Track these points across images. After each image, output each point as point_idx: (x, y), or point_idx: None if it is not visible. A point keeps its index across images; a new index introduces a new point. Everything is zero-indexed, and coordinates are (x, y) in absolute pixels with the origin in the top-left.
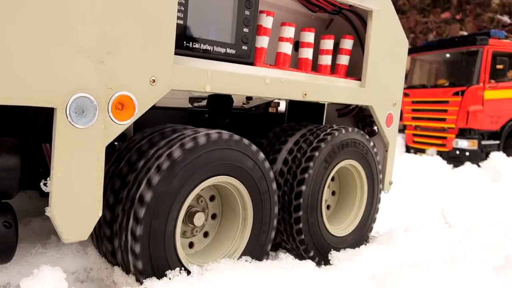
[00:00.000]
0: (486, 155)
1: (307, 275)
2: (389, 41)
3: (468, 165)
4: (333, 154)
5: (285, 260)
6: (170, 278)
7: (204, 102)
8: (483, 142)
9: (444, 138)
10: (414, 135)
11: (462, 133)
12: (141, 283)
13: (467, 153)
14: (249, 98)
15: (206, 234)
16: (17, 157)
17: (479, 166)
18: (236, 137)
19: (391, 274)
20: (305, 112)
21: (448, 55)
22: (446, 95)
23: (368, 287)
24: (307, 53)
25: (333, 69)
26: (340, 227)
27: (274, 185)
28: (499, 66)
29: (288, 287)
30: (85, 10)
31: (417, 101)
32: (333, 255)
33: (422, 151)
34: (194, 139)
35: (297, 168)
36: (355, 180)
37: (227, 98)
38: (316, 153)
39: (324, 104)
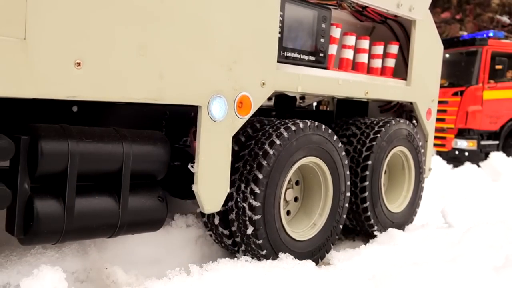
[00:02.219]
0: (486, 155)
1: (307, 275)
2: (428, 45)
3: (468, 165)
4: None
5: (285, 260)
6: (170, 278)
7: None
8: (482, 142)
9: (444, 138)
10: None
11: (461, 133)
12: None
13: (466, 153)
14: (303, 98)
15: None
16: (167, 146)
17: (479, 166)
18: (318, 124)
19: (391, 274)
20: (351, 109)
21: (447, 56)
22: (445, 95)
23: (368, 287)
24: (363, 57)
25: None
26: (394, 205)
27: (346, 161)
28: (498, 67)
29: (288, 287)
30: (220, 29)
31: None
32: (333, 255)
33: None
34: (295, 125)
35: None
36: (403, 164)
37: (291, 98)
38: (375, 143)
39: (367, 102)
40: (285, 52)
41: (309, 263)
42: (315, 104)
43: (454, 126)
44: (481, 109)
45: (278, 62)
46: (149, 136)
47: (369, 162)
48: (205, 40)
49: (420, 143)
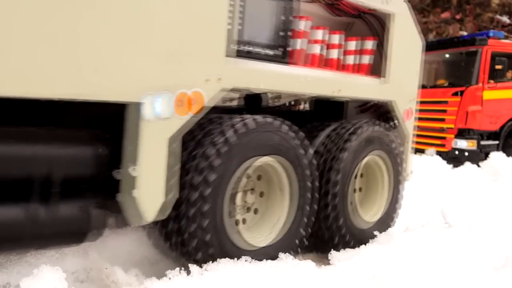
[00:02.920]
0: (485, 155)
1: (307, 275)
2: (407, 41)
3: (468, 165)
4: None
5: (285, 260)
6: (170, 278)
7: (234, 102)
8: (482, 142)
9: (443, 138)
10: (413, 135)
11: (461, 133)
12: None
13: (466, 153)
14: (277, 97)
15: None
16: (105, 147)
17: (479, 166)
18: (278, 121)
19: (391, 274)
20: (328, 110)
21: (447, 55)
22: (445, 95)
23: (368, 287)
24: (335, 53)
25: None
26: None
27: (314, 162)
28: (498, 67)
29: (288, 287)
30: (155, 19)
31: (416, 101)
32: (333, 255)
33: (421, 151)
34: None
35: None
36: (379, 170)
37: (261, 97)
38: (349, 144)
39: (345, 102)
40: (241, 46)
41: (309, 263)
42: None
43: (454, 126)
44: (481, 109)
45: (231, 56)
46: (81, 139)
47: (341, 165)
48: (138, 30)
49: (399, 146)
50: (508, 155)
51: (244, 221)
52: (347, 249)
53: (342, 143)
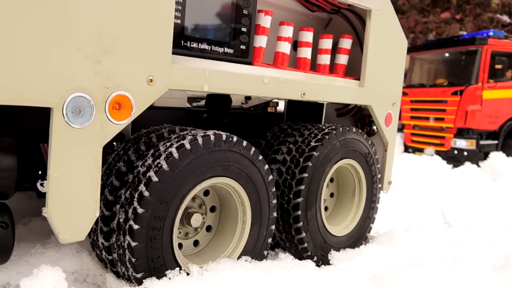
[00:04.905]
0: (485, 155)
1: (307, 275)
2: (388, 41)
3: (467, 165)
4: (332, 153)
5: (285, 260)
6: (170, 278)
7: (202, 102)
8: (481, 142)
9: (443, 137)
10: (413, 134)
11: (461, 133)
12: (141, 282)
13: (465, 153)
14: (248, 98)
15: (208, 228)
16: (13, 157)
17: (478, 166)
18: (235, 138)
19: (391, 274)
20: (304, 112)
21: (447, 55)
22: (444, 94)
23: (368, 287)
24: (305, 52)
25: (332, 68)
26: (339, 227)
27: (273, 188)
28: (498, 66)
29: (288, 287)
30: (82, 9)
31: (415, 100)
32: (333, 255)
33: (421, 150)
34: (192, 140)
35: (296, 167)
36: (353, 179)
37: (226, 98)
38: (315, 153)
39: (323, 104)
40: (190, 42)
41: (309, 263)
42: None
43: (453, 126)
44: (481, 109)
45: (175, 54)
46: None
47: (306, 175)
48: (58, 22)
49: (376, 155)
50: (507, 155)
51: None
52: (347, 249)
53: (308, 150)
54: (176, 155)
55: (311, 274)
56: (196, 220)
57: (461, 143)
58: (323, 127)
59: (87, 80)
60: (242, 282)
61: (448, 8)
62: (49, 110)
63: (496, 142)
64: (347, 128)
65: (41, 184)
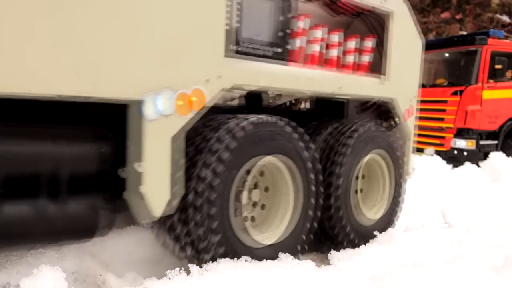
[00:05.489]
0: (485, 155)
1: (307, 275)
2: (406, 39)
3: (467, 165)
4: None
5: (285, 260)
6: (170, 278)
7: (234, 101)
8: (481, 142)
9: (442, 137)
10: (414, 133)
11: (460, 133)
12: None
13: (465, 153)
14: (278, 96)
15: (262, 207)
16: (110, 143)
17: (478, 166)
18: (280, 120)
19: (391, 274)
20: (328, 109)
21: (447, 55)
22: (444, 94)
23: (368, 287)
24: (335, 52)
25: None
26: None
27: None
28: (498, 66)
29: (288, 287)
30: (154, 19)
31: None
32: (333, 255)
33: (420, 150)
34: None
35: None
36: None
37: (260, 96)
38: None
39: (344, 102)
40: (240, 46)
41: (309, 263)
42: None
43: (453, 126)
44: (480, 109)
45: (230, 56)
46: (87, 136)
47: (342, 167)
48: (136, 30)
49: (399, 145)
50: (507, 155)
51: (252, 218)
52: (347, 249)
53: (344, 140)
54: (241, 133)
55: (311, 274)
56: (256, 194)
57: (461, 143)
58: (353, 123)
59: (159, 80)
60: (242, 282)
61: (448, 8)
62: (135, 103)
63: (496, 142)
64: (375, 122)
65: (122, 171)
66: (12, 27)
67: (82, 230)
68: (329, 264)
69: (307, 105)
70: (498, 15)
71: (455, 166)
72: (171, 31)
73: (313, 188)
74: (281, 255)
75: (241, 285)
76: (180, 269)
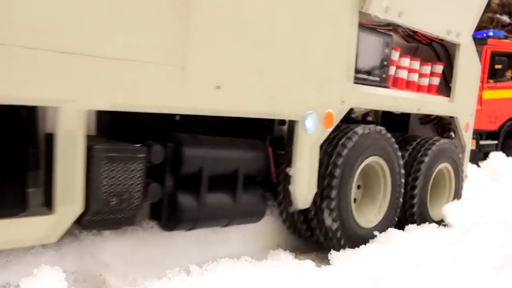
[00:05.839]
0: (484, 155)
1: (307, 275)
2: (469, 66)
3: (467, 165)
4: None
5: (285, 260)
6: (170, 278)
7: None
8: (481, 142)
9: None
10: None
11: None
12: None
13: None
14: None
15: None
16: (267, 151)
17: (478, 166)
18: (383, 129)
19: (391, 274)
20: (394, 121)
21: None
22: None
23: (368, 287)
24: (414, 77)
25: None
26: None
27: (403, 170)
28: (498, 66)
29: (288, 287)
30: (313, 58)
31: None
32: (333, 255)
33: None
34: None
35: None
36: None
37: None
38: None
39: (409, 115)
40: (358, 74)
41: (309, 263)
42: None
43: None
44: (480, 109)
45: (352, 82)
46: (254, 144)
47: (420, 174)
48: (303, 65)
49: (460, 155)
50: (507, 155)
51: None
52: (347, 249)
53: (423, 150)
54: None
55: (311, 274)
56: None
57: None
58: (428, 139)
59: (314, 102)
60: (242, 282)
61: None
62: (294, 122)
63: (496, 142)
64: (443, 140)
65: (289, 169)
66: (232, 68)
67: (257, 214)
68: (329, 264)
69: (371, 117)
70: (498, 15)
71: None
72: (324, 65)
73: (399, 182)
74: (281, 255)
75: (241, 285)
76: (180, 269)
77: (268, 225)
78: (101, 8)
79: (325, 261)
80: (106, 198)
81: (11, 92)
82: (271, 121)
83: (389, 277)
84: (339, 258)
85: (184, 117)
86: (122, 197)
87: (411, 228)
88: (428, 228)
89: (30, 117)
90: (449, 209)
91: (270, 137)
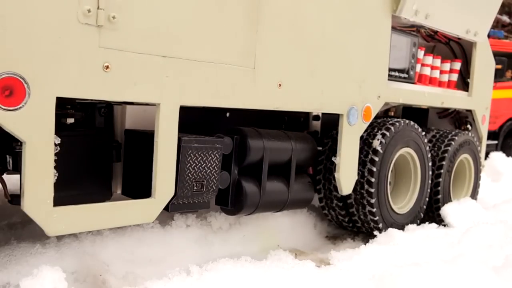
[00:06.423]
0: (484, 155)
1: (306, 275)
2: (484, 63)
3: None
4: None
5: (285, 260)
6: (170, 278)
7: None
8: None
9: None
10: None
11: None
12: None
13: None
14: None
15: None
16: (315, 143)
17: None
18: (415, 124)
19: (391, 274)
20: (414, 115)
21: None
22: None
23: (368, 287)
24: (436, 73)
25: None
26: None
27: (430, 162)
28: (498, 66)
29: (288, 287)
30: (355, 57)
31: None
32: (333, 255)
33: None
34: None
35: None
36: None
37: None
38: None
39: (428, 109)
40: (390, 71)
41: (309, 263)
42: None
43: None
44: None
45: (388, 79)
46: (304, 137)
47: (444, 163)
48: (347, 64)
49: (478, 146)
50: (507, 155)
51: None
52: (347, 249)
53: (447, 141)
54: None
55: (311, 274)
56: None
57: None
58: (450, 132)
59: (356, 97)
60: (242, 282)
61: None
62: (339, 115)
63: (496, 142)
64: (464, 132)
65: (334, 158)
66: (293, 68)
67: (305, 200)
68: (329, 264)
69: (397, 112)
70: (498, 15)
71: None
72: (364, 63)
73: (426, 172)
74: (281, 255)
75: (241, 285)
76: (180, 269)
77: (268, 225)
78: (192, 18)
79: (325, 261)
80: (191, 184)
81: (123, 91)
82: (307, 117)
83: (389, 277)
84: (339, 258)
85: (232, 113)
86: (202, 183)
87: (411, 228)
88: (428, 228)
89: (109, 115)
90: (449, 209)
91: (306, 132)
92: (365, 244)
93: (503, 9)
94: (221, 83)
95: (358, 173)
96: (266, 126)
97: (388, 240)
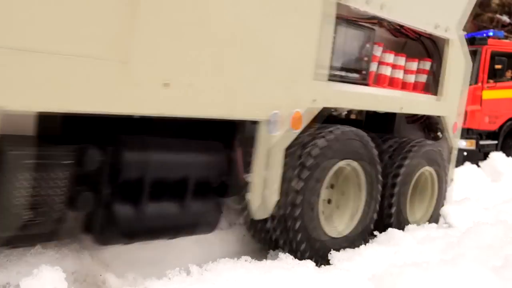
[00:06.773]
0: (484, 155)
1: (306, 275)
2: (459, 63)
3: (467, 165)
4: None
5: (285, 260)
6: (170, 278)
7: None
8: (481, 142)
9: None
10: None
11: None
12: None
13: (465, 153)
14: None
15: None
16: (223, 155)
17: (478, 166)
18: (359, 131)
19: (391, 274)
20: (379, 119)
21: None
22: None
23: (368, 287)
24: (399, 74)
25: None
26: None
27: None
28: (498, 66)
29: (288, 287)
30: (281, 54)
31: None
32: (333, 255)
33: None
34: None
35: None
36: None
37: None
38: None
39: (395, 114)
40: (333, 71)
41: (309, 263)
42: None
43: None
44: (480, 109)
45: (326, 80)
46: (209, 147)
47: (398, 179)
48: (269, 61)
49: (445, 159)
50: (507, 155)
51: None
52: (347, 249)
53: (404, 152)
54: (324, 143)
55: (311, 274)
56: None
57: (461, 143)
58: (409, 141)
59: (284, 101)
60: (242, 282)
61: None
62: (263, 122)
63: (496, 142)
64: (429, 142)
65: (247, 176)
66: (183, 66)
67: (207, 224)
68: (329, 264)
69: (354, 115)
70: (498, 15)
71: (455, 166)
72: (290, 61)
73: (375, 188)
74: (281, 255)
75: (241, 285)
76: (180, 269)
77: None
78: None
79: (325, 261)
80: (18, 212)
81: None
82: (243, 120)
83: (389, 277)
84: (339, 258)
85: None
86: (39, 211)
87: (411, 228)
88: (428, 228)
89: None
90: (449, 209)
91: (240, 138)
92: (365, 244)
93: (503, 9)
94: (74, 81)
95: (282, 192)
96: (186, 134)
97: (388, 240)
